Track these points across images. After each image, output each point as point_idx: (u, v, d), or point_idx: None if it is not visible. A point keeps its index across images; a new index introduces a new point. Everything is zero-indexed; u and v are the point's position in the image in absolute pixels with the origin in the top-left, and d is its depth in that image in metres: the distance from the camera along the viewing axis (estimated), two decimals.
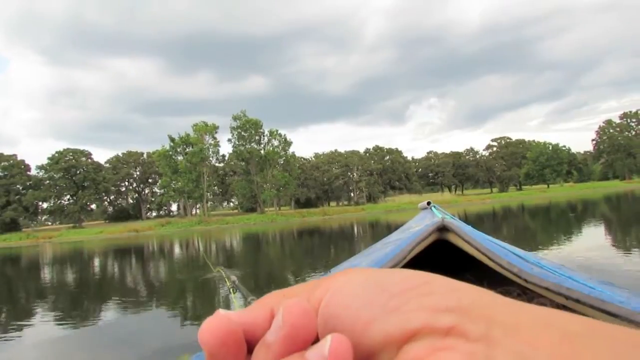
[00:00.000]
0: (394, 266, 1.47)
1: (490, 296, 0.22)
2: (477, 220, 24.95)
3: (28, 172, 68.52)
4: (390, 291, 0.22)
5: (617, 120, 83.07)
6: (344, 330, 0.22)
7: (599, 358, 0.17)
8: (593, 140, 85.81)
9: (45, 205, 70.49)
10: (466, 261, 1.72)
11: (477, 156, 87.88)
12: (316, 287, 0.26)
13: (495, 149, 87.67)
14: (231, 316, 0.25)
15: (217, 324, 0.24)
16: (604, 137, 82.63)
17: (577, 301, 1.22)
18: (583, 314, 1.39)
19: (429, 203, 2.42)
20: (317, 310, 0.24)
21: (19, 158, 68.56)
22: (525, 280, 1.42)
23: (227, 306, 7.65)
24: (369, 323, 0.22)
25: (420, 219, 2.34)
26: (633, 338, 0.18)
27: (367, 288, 0.23)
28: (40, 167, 67.89)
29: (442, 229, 1.68)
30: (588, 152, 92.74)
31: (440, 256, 2.00)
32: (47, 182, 67.66)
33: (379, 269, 0.25)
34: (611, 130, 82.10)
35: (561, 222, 20.23)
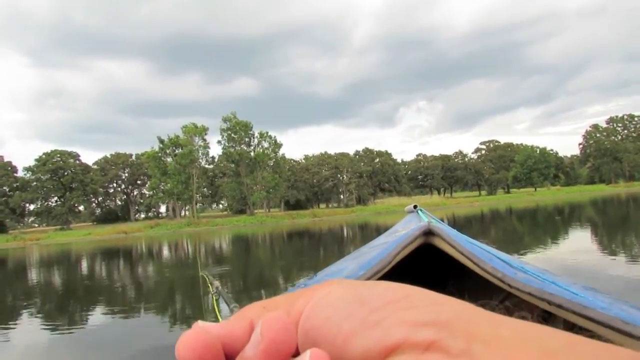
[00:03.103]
0: (379, 270, 1.49)
1: (471, 310, 0.21)
2: (465, 223, 25.10)
3: (15, 174, 67.66)
4: (370, 305, 0.22)
5: (604, 125, 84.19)
6: (324, 343, 0.22)
7: None
8: (580, 144, 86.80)
9: (32, 206, 69.65)
10: (451, 265, 1.74)
11: (466, 159, 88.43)
12: (296, 299, 0.25)
13: (483, 152, 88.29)
14: (209, 329, 0.24)
15: (194, 338, 0.23)
16: (591, 142, 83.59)
17: (560, 306, 1.24)
18: (565, 319, 1.41)
19: (415, 206, 2.44)
20: (297, 323, 0.24)
21: (5, 159, 67.73)
22: (509, 285, 1.44)
23: (213, 310, 7.62)
24: (348, 337, 0.22)
25: (406, 222, 2.36)
26: (613, 355, 0.18)
27: (347, 301, 0.23)
28: (28, 169, 67.09)
29: (428, 233, 1.70)
30: (575, 156, 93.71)
31: (426, 260, 2.02)
32: (35, 183, 66.85)
33: (360, 281, 0.25)
34: (598, 135, 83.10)
35: (548, 225, 20.43)
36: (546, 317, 1.71)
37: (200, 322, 0.25)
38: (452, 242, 1.63)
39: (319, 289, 0.25)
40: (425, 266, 2.24)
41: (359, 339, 0.21)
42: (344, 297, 0.23)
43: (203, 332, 0.24)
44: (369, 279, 1.44)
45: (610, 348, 0.18)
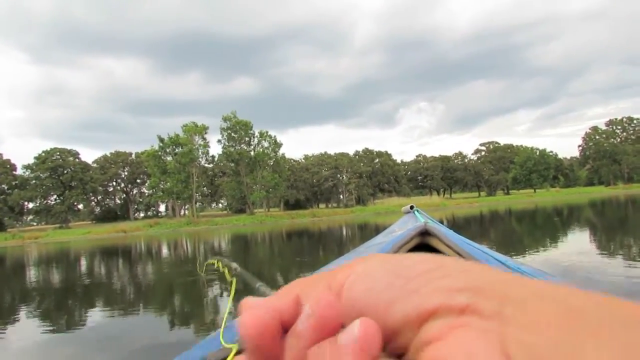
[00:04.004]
0: None
1: (501, 275, 0.23)
2: (464, 224, 25.12)
3: (14, 172, 67.60)
4: (407, 275, 0.24)
5: (603, 127, 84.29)
6: (367, 312, 0.24)
7: (605, 331, 0.18)
8: (579, 146, 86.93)
9: (31, 205, 69.60)
10: None
11: (466, 160, 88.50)
12: (337, 273, 0.27)
13: (483, 153, 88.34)
14: (267, 305, 0.26)
15: (257, 315, 0.25)
16: (590, 144, 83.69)
17: None
18: None
19: (412, 207, 2.45)
20: (340, 296, 0.26)
21: (4, 157, 67.65)
22: None
23: (216, 305, 7.63)
24: (389, 305, 0.23)
25: (403, 222, 2.37)
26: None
27: (385, 273, 0.24)
28: (27, 167, 67.06)
29: (424, 233, 1.71)
30: (574, 157, 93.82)
31: None
32: (34, 181, 66.82)
33: (395, 255, 0.26)
34: (597, 137, 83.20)
35: (547, 226, 20.45)
36: None
37: (251, 298, 0.26)
38: (448, 242, 1.64)
39: (357, 263, 0.27)
40: None
41: (399, 307, 0.23)
42: (382, 270, 0.25)
43: (264, 309, 0.25)
44: None
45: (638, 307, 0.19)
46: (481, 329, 0.21)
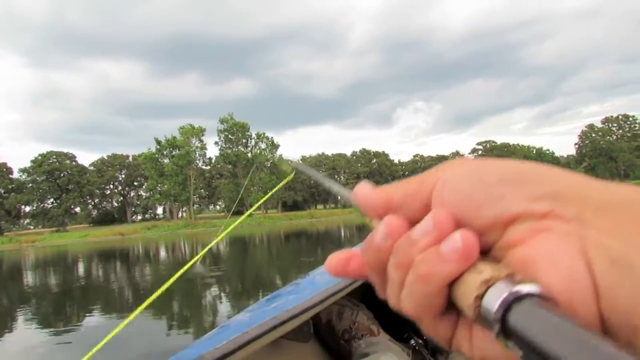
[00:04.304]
0: None
1: (581, 179, 0.25)
2: None
3: (10, 175, 67.41)
4: (494, 181, 0.26)
5: (599, 125, 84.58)
6: (456, 214, 0.27)
7: None
8: (576, 144, 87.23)
9: (27, 208, 69.38)
10: None
11: None
12: (427, 178, 0.29)
13: (480, 152, 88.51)
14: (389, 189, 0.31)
15: (376, 194, 0.31)
16: (587, 141, 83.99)
17: None
18: None
19: None
20: (431, 199, 0.29)
21: (0, 161, 67.52)
22: None
23: (214, 310, 7.62)
24: (477, 209, 0.26)
25: None
26: None
27: (474, 178, 0.27)
28: (23, 170, 66.85)
29: None
30: (571, 155, 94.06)
31: None
32: (30, 185, 66.64)
33: (482, 160, 0.28)
34: (593, 135, 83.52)
35: None
36: None
37: (366, 182, 0.32)
38: None
39: (446, 168, 0.29)
40: None
41: (485, 211, 0.26)
42: (470, 175, 0.27)
43: (383, 191, 0.31)
44: None
45: None
46: (562, 232, 0.23)
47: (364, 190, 0.31)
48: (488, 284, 0.23)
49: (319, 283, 1.49)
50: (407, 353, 1.65)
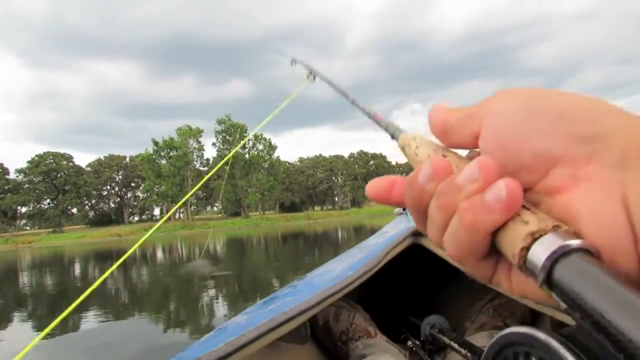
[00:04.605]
0: (369, 270, 1.51)
1: (631, 119, 0.24)
2: None
3: (7, 176, 67.20)
4: (542, 117, 0.25)
5: None
6: (501, 147, 0.27)
7: None
8: None
9: (24, 209, 69.19)
10: (440, 265, 1.76)
11: None
12: (481, 107, 0.29)
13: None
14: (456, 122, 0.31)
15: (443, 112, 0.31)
16: None
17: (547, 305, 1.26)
18: (552, 318, 1.43)
19: (404, 209, 2.46)
20: (478, 133, 0.29)
21: None
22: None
23: (211, 311, 7.62)
24: (521, 143, 0.26)
25: (396, 224, 2.38)
26: None
27: (521, 112, 0.26)
28: (20, 171, 66.66)
29: (417, 233, 1.72)
30: None
31: (415, 260, 2.04)
32: (27, 186, 66.43)
33: (532, 91, 0.27)
34: None
35: None
36: (534, 316, 1.73)
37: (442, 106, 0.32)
38: None
39: (495, 99, 0.29)
40: (415, 266, 2.25)
41: (529, 146, 0.25)
42: (521, 105, 0.27)
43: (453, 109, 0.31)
44: (358, 279, 1.46)
45: None
46: (603, 180, 0.23)
47: (440, 108, 0.31)
48: (534, 236, 0.23)
49: (316, 285, 1.49)
50: (404, 354, 1.66)
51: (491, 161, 0.26)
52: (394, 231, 2.01)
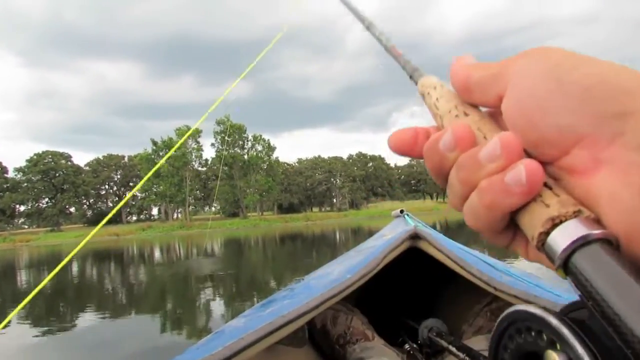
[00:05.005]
0: (367, 273, 1.51)
1: None
2: (457, 228, 25.21)
3: (5, 175, 67.05)
4: (569, 89, 0.24)
5: None
6: (523, 117, 0.26)
7: None
8: None
9: (22, 208, 69.06)
10: (438, 269, 1.77)
11: None
12: (507, 67, 0.27)
13: None
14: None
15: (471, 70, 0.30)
16: None
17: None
18: None
19: (402, 211, 2.46)
20: (505, 90, 0.27)
21: None
22: (495, 288, 1.47)
23: (209, 313, 7.60)
24: (544, 116, 0.24)
25: (393, 227, 2.39)
26: None
27: (547, 83, 0.25)
28: (18, 170, 66.54)
29: (415, 237, 1.72)
30: None
31: (412, 263, 2.04)
32: (25, 184, 66.30)
33: (561, 57, 0.25)
34: None
35: None
36: None
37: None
38: (438, 246, 1.65)
39: (521, 61, 0.27)
40: (412, 269, 2.26)
41: (553, 120, 0.24)
42: (545, 78, 0.25)
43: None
44: (356, 282, 1.46)
45: None
46: (625, 164, 0.22)
47: (463, 64, 0.30)
48: (554, 222, 0.23)
49: (314, 288, 1.49)
50: (402, 358, 1.66)
51: (514, 140, 0.25)
52: (391, 234, 2.01)
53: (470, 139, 0.27)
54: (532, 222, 0.24)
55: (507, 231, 0.27)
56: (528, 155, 0.25)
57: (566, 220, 0.23)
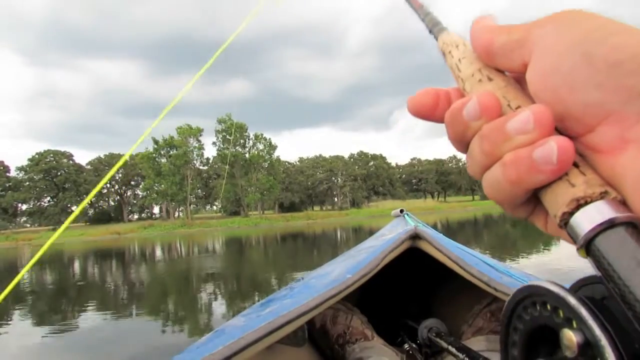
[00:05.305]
0: (367, 273, 1.51)
1: None
2: (458, 228, 25.20)
3: (7, 174, 67.19)
4: (597, 63, 0.22)
5: None
6: (548, 90, 0.24)
7: None
8: None
9: (24, 207, 69.20)
10: (438, 268, 1.77)
11: (460, 164, 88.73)
12: (532, 32, 0.26)
13: None
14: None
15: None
16: None
17: None
18: None
19: (401, 211, 2.46)
20: (530, 57, 0.26)
21: None
22: (495, 289, 1.47)
23: (209, 311, 7.62)
24: (571, 90, 0.23)
25: (393, 226, 2.38)
26: None
27: (574, 56, 0.23)
28: (20, 169, 66.68)
29: (415, 237, 1.72)
30: None
31: (412, 264, 2.04)
32: (27, 183, 66.43)
33: (589, 26, 0.24)
34: None
35: (541, 231, 20.50)
36: None
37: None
38: (439, 246, 1.66)
39: (547, 27, 0.25)
40: (412, 270, 2.26)
41: (581, 98, 0.23)
42: (572, 50, 0.23)
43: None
44: (356, 282, 1.46)
45: None
46: None
47: (484, 26, 0.29)
48: (579, 202, 0.22)
49: (314, 287, 1.49)
50: (401, 357, 1.66)
51: (548, 113, 0.24)
52: (391, 234, 2.01)
53: (496, 109, 0.26)
54: (556, 200, 0.23)
55: (528, 204, 0.26)
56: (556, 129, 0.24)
57: (592, 201, 0.22)
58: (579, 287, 0.24)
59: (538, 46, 0.25)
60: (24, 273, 1.42)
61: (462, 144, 0.28)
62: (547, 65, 0.24)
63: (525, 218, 0.27)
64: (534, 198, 0.26)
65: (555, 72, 0.24)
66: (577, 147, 0.24)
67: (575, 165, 0.23)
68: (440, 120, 0.30)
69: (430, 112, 0.30)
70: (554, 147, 0.22)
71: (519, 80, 0.28)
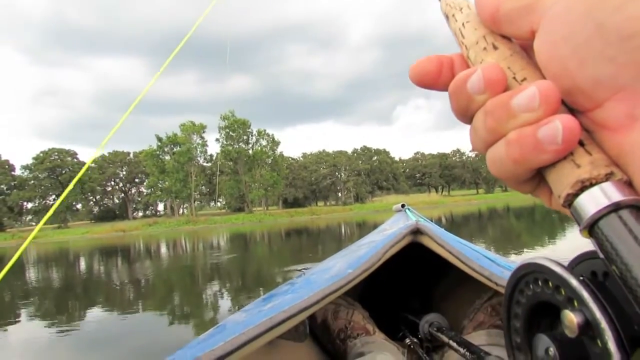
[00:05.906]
0: (368, 268, 1.51)
1: None
2: (462, 221, 25.16)
3: (12, 172, 67.50)
4: (609, 36, 0.21)
5: None
6: (557, 61, 0.23)
7: None
8: None
9: (30, 205, 69.54)
10: (439, 263, 1.77)
11: (464, 157, 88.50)
12: (534, 7, 0.24)
13: None
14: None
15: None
16: None
17: None
18: None
19: (403, 205, 2.46)
20: (539, 24, 0.24)
21: (3, 158, 67.58)
22: (496, 284, 1.47)
23: (215, 308, 7.65)
24: (581, 63, 0.22)
25: (394, 221, 2.38)
26: None
27: (585, 27, 0.22)
28: (25, 167, 66.99)
29: (416, 231, 1.73)
30: None
31: (414, 258, 2.04)
32: (32, 182, 66.75)
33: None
34: None
35: (545, 223, 20.49)
36: None
37: None
38: (440, 241, 1.66)
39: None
40: (413, 265, 2.26)
41: (591, 72, 0.22)
42: (583, 20, 0.22)
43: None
44: (357, 277, 1.47)
45: None
46: None
47: None
48: (584, 184, 0.22)
49: (315, 282, 1.50)
50: (403, 352, 1.67)
51: (554, 90, 0.23)
52: (392, 229, 2.02)
53: (501, 83, 0.25)
54: (560, 180, 0.23)
55: (532, 180, 0.26)
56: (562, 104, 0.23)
57: (597, 183, 0.22)
58: (579, 263, 0.24)
59: (548, 13, 0.24)
60: (8, 268, 1.43)
61: (466, 117, 0.27)
62: (556, 35, 0.23)
63: (529, 193, 0.27)
64: (538, 174, 0.25)
65: (565, 42, 0.23)
66: (584, 122, 0.23)
67: (581, 143, 0.23)
68: (443, 89, 0.29)
69: (433, 80, 0.29)
70: (559, 126, 0.22)
71: (525, 48, 0.27)
